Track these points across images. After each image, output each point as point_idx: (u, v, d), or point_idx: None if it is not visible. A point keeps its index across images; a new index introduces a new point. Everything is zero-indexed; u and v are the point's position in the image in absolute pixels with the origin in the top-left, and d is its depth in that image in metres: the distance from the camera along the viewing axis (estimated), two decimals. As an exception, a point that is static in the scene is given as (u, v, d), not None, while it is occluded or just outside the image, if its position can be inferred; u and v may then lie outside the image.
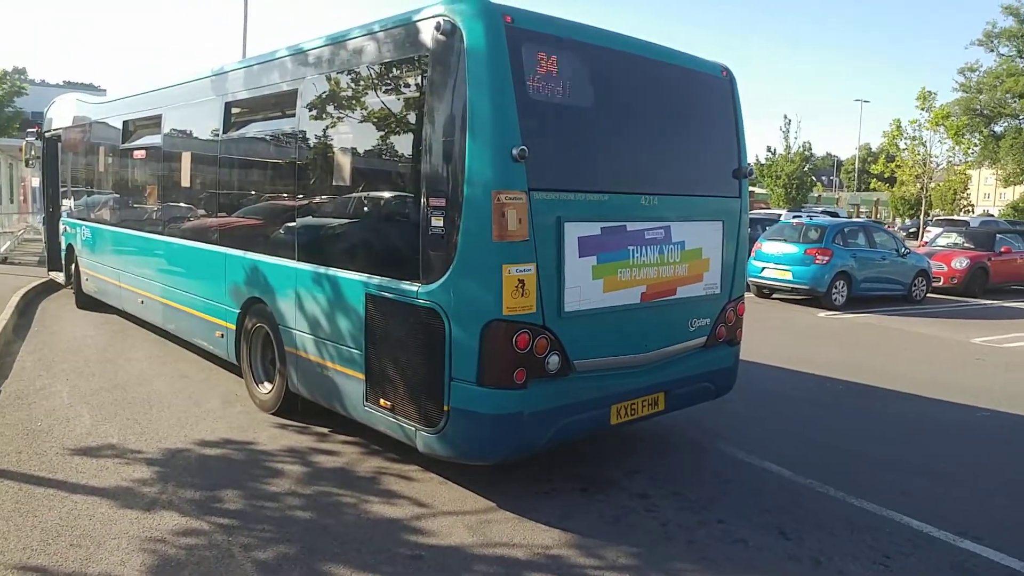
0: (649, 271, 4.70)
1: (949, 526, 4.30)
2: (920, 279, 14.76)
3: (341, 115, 5.04)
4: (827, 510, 4.50)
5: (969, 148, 36.79)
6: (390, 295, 4.42)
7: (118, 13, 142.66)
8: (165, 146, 7.56)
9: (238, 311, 6.14)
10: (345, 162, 5.04)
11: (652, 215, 4.71)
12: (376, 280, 4.54)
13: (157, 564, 3.54)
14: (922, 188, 33.87)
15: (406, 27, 4.39)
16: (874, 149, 65.68)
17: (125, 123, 8.48)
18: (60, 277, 11.16)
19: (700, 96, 5.29)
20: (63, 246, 10.75)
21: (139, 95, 8.23)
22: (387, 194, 4.73)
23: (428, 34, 4.17)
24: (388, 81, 4.62)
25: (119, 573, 3.45)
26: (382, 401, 4.54)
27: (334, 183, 5.15)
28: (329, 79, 5.08)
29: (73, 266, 10.26)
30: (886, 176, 37.22)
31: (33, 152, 12.12)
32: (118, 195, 8.98)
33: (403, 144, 4.55)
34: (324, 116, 5.17)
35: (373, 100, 4.74)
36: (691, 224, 5.00)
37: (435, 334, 4.13)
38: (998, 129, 42.14)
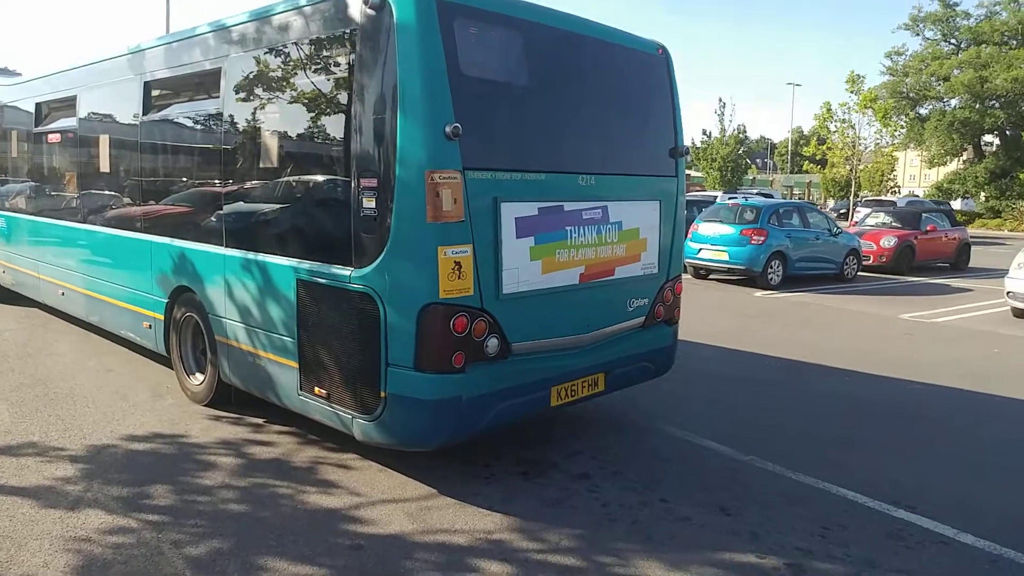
0: (587, 252, 4.69)
1: (884, 496, 4.44)
2: (851, 258, 15.26)
3: (268, 95, 4.86)
4: (766, 485, 4.60)
5: (896, 130, 38.21)
6: (322, 280, 4.30)
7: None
8: (81, 129, 7.19)
9: (166, 300, 5.90)
10: (273, 144, 4.87)
11: (590, 195, 4.70)
12: (307, 265, 4.41)
13: (82, 564, 3.38)
14: (852, 170, 35.09)
15: (334, 1, 4.24)
16: (806, 132, 67.63)
17: (38, 106, 8.02)
18: (-25, 270, 10.54)
19: (636, 74, 5.28)
20: (-22, 237, 10.15)
21: (52, 75, 7.79)
22: (317, 176, 4.59)
23: (356, 9, 4.03)
24: (316, 59, 4.46)
25: (42, 575, 3.28)
26: (317, 389, 4.43)
27: (262, 165, 4.97)
28: (254, 57, 4.88)
29: (-11, 258, 9.70)
30: (818, 158, 38.39)
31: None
32: (33, 182, 8.52)
33: (332, 124, 4.41)
34: (250, 96, 4.97)
35: (301, 79, 4.58)
36: (628, 204, 5.01)
37: (369, 319, 4.03)
38: (923, 111, 43.87)
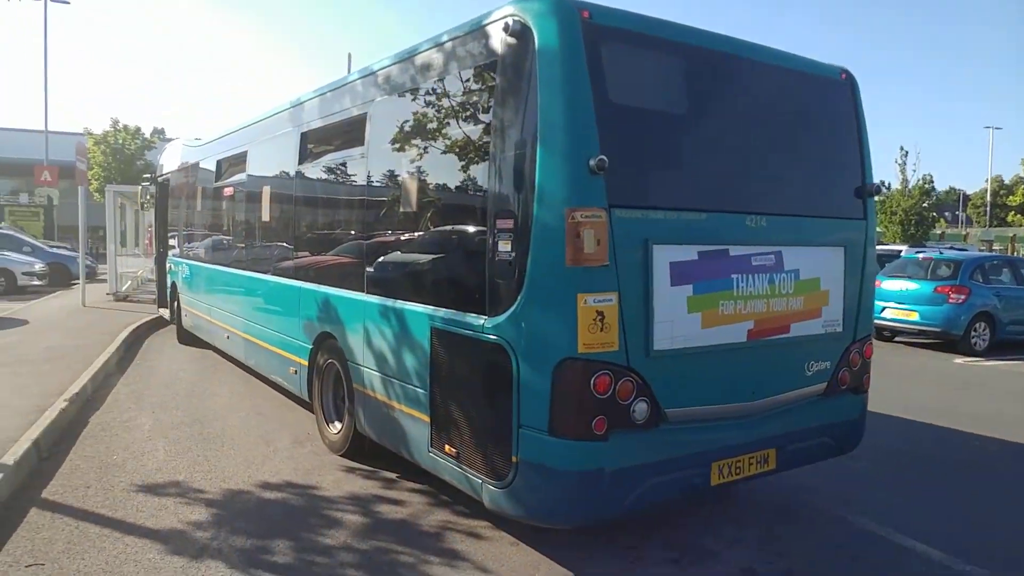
0: (757, 304, 4.02)
1: None
2: (1080, 321, 12.88)
3: (408, 136, 4.71)
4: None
5: None
6: (455, 329, 3.97)
7: (242, 77, 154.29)
8: (248, 182, 7.57)
9: (311, 346, 5.89)
10: (412, 185, 4.68)
11: (760, 238, 4.05)
12: (441, 312, 4.11)
13: (187, 625, 3.17)
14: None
15: (474, 33, 4.01)
16: (1007, 181, 60.45)
17: (218, 163, 8.63)
18: (167, 313, 11.53)
19: (815, 102, 4.60)
20: (168, 284, 11.10)
21: (229, 134, 8.35)
22: (454, 217, 4.32)
23: (497, 38, 3.76)
24: (456, 95, 4.24)
25: (144, 634, 3.10)
26: (447, 447, 4.06)
27: (401, 208, 4.80)
28: (397, 99, 4.78)
29: (176, 302, 10.53)
30: (1028, 209, 33.87)
31: (147, 197, 12.74)
32: (209, 232, 9.15)
33: (471, 161, 4.13)
34: (391, 140, 4.85)
35: (440, 117, 4.38)
36: (807, 250, 4.29)
37: (501, 373, 3.61)
38: None
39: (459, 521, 4.38)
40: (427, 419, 4.24)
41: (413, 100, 4.62)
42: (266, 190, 7.11)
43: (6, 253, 18.26)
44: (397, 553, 3.94)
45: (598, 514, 3.70)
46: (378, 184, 5.05)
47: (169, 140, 30.72)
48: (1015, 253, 43.51)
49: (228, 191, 8.25)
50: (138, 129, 26.97)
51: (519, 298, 3.54)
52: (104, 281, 17.08)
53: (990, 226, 55.51)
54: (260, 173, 7.38)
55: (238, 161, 7.87)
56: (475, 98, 4.07)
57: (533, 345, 3.51)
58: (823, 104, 4.64)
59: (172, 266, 10.81)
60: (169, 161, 11.21)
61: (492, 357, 3.68)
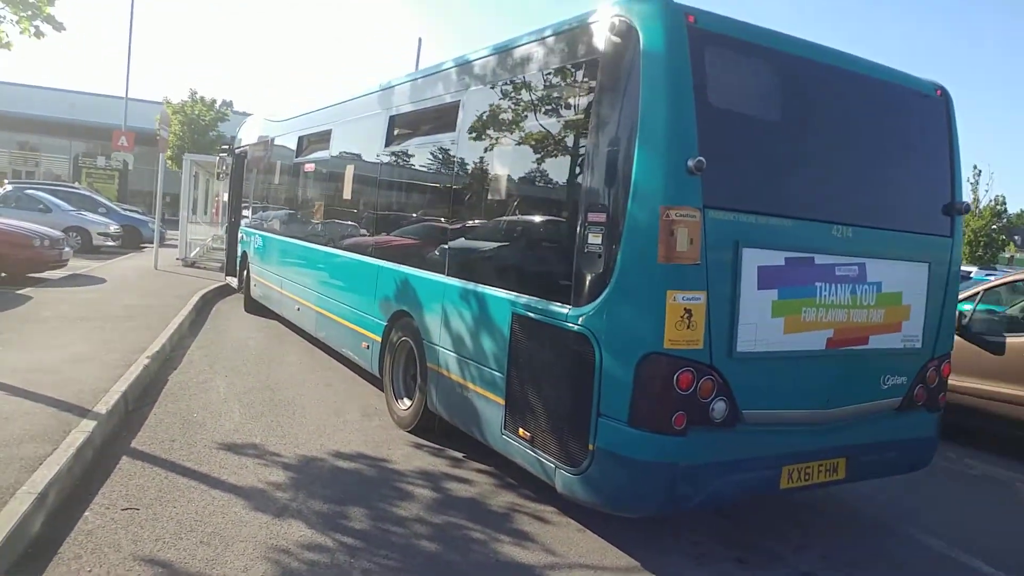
0: (838, 313, 4.03)
1: None
2: None
3: (502, 127, 4.83)
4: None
5: None
6: (537, 316, 4.09)
7: (311, 54, 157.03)
8: (332, 160, 7.80)
9: (385, 323, 6.08)
10: (502, 173, 4.81)
11: (845, 249, 4.05)
12: (524, 299, 4.23)
13: (278, 576, 3.37)
14: None
15: (577, 30, 4.10)
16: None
17: (299, 139, 8.89)
18: (234, 282, 11.93)
19: (907, 116, 4.57)
20: (239, 253, 11.49)
21: (313, 112, 8.60)
22: (543, 208, 4.43)
23: (601, 36, 3.85)
24: (553, 89, 4.34)
25: (238, 580, 3.31)
26: (521, 431, 4.19)
27: (489, 195, 4.92)
28: (492, 90, 4.90)
29: (245, 272, 10.90)
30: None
31: (224, 167, 13.18)
32: (286, 207, 9.43)
33: (564, 155, 4.23)
34: (484, 128, 4.98)
35: (536, 109, 4.48)
36: (891, 263, 4.27)
37: (583, 362, 3.72)
38: None
39: (526, 504, 4.51)
40: (502, 402, 4.37)
41: (509, 91, 4.73)
42: (349, 169, 7.33)
43: (83, 213, 19.05)
44: (468, 530, 4.08)
45: (669, 507, 3.79)
46: (466, 171, 5.18)
47: (241, 113, 31.66)
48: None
49: (309, 167, 8.50)
50: (214, 101, 27.84)
51: (606, 290, 3.64)
52: (173, 246, 17.71)
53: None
54: (344, 152, 7.60)
55: (321, 139, 8.11)
56: (573, 93, 4.16)
57: (618, 337, 3.60)
58: (916, 119, 4.60)
59: (244, 236, 11.17)
60: (248, 134, 11.57)
61: (575, 346, 3.79)
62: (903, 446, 4.52)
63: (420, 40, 24.57)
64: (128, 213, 22.77)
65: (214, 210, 20.39)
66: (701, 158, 3.42)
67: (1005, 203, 37.03)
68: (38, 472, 3.85)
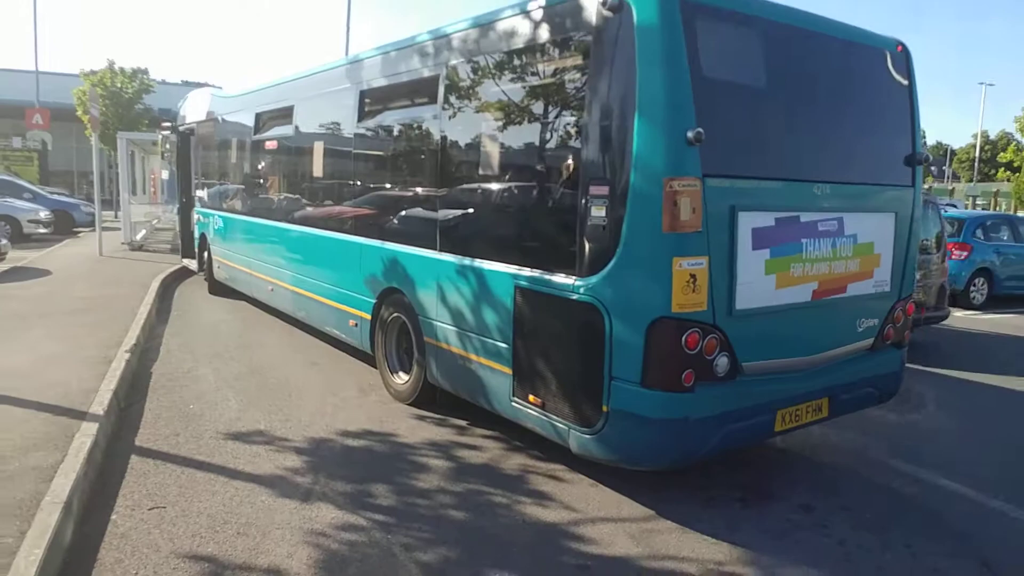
0: (821, 267, 4.33)
1: None
2: (1073, 277, 13.41)
3: (489, 100, 4.89)
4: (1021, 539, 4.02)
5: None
6: (542, 288, 4.25)
7: (228, 14, 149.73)
8: (297, 137, 7.68)
9: (374, 301, 6.13)
10: (493, 150, 4.89)
11: (825, 205, 4.33)
12: (526, 272, 4.37)
13: (323, 559, 3.50)
14: (1061, 177, 31.16)
15: (566, 4, 4.17)
16: (992, 136, 60.87)
17: (257, 115, 8.68)
18: (193, 264, 11.67)
19: (874, 74, 4.83)
20: (196, 235, 11.21)
21: (270, 87, 8.40)
22: (540, 183, 4.53)
23: (592, 10, 3.94)
24: (543, 63, 4.42)
25: (287, 566, 3.42)
26: (531, 397, 4.38)
27: (481, 172, 5.01)
28: (475, 63, 4.94)
29: (206, 254, 10.68)
30: (1017, 165, 34.36)
31: (168, 146, 12.72)
32: (250, 186, 9.24)
33: (559, 130, 4.34)
34: (470, 102, 5.04)
35: (525, 84, 4.56)
36: (864, 216, 4.59)
37: (594, 330, 3.91)
38: None
39: (537, 465, 4.73)
40: (509, 371, 4.54)
41: (493, 64, 4.78)
42: (318, 146, 7.24)
43: (9, 200, 18.11)
44: (489, 495, 4.28)
45: (683, 458, 4.07)
46: (452, 146, 5.24)
47: (160, 82, 30.12)
48: (997, 208, 44.25)
49: (271, 144, 8.34)
50: (136, 71, 26.38)
51: (613, 260, 3.81)
52: (112, 229, 17.06)
53: (977, 181, 56.12)
54: (311, 128, 7.49)
55: (283, 115, 7.94)
56: (563, 67, 4.25)
57: (628, 304, 3.80)
58: (881, 76, 4.86)
59: (201, 217, 10.90)
60: (193, 110, 11.17)
61: (583, 315, 3.97)
62: (875, 381, 4.91)
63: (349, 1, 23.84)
64: (57, 197, 21.72)
65: (152, 189, 19.62)
66: (700, 129, 3.59)
67: (925, 136, 38.72)
68: (56, 481, 3.84)
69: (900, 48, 4.93)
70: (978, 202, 48.06)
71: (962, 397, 6.92)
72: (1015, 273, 12.85)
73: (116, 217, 22.44)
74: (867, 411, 5.10)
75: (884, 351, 4.92)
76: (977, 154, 60.14)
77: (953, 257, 12.42)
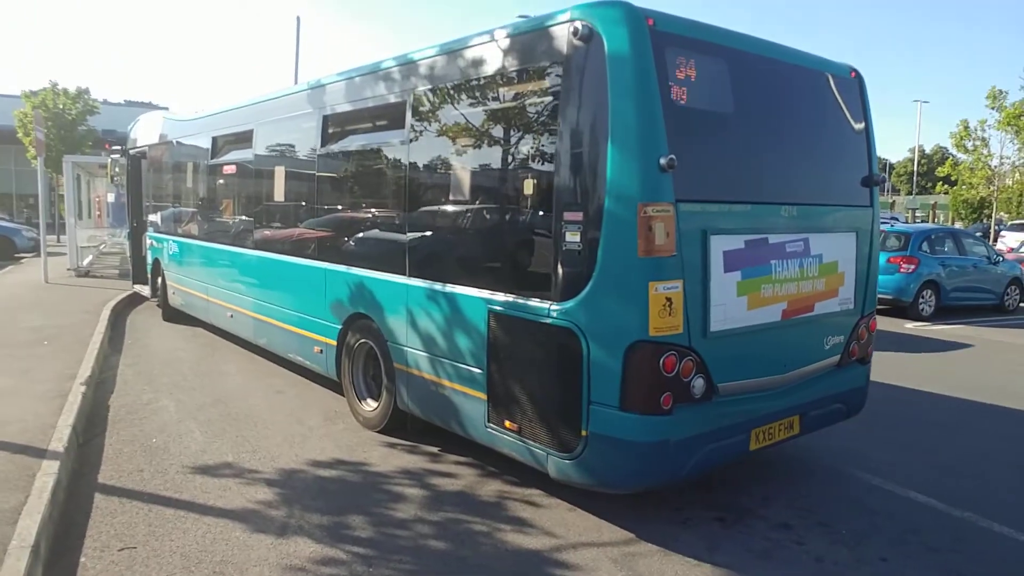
0: (790, 287, 4.43)
1: None
2: (1013, 287, 14.05)
3: (457, 127, 4.89)
4: (1002, 552, 4.14)
5: (1043, 148, 35.17)
6: (516, 313, 4.24)
7: (173, 35, 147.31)
8: (257, 161, 7.55)
9: (340, 327, 6.04)
10: (463, 177, 4.89)
11: (792, 226, 4.45)
12: (500, 297, 4.37)
13: (303, 596, 3.41)
14: (994, 191, 32.58)
15: (535, 33, 4.22)
16: (928, 151, 63.57)
17: (214, 139, 8.52)
18: (145, 290, 11.34)
19: (831, 99, 4.99)
20: (149, 260, 10.91)
21: (229, 111, 8.26)
22: (512, 209, 4.55)
23: (563, 40, 3.98)
24: (512, 90, 4.45)
25: (266, 606, 3.32)
26: (507, 423, 4.36)
27: (451, 198, 5.00)
28: (443, 89, 4.94)
29: (159, 280, 10.39)
30: (954, 179, 35.86)
31: (117, 169, 12.38)
32: (207, 210, 9.05)
33: (529, 157, 4.36)
34: (438, 128, 5.03)
35: (495, 110, 4.58)
36: (828, 236, 4.73)
37: (570, 355, 3.92)
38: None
39: (513, 490, 4.70)
40: (483, 396, 4.52)
41: (463, 90, 4.79)
42: (279, 170, 7.13)
43: (-53, 226, 17.40)
44: (468, 523, 4.23)
45: (662, 480, 4.10)
46: (420, 172, 5.21)
47: (102, 103, 29.35)
48: (936, 220, 46.09)
49: (230, 168, 8.18)
50: (79, 92, 25.64)
51: (589, 285, 3.84)
52: (57, 255, 16.50)
53: (916, 194, 58.38)
54: (272, 153, 7.37)
55: (242, 139, 7.81)
56: (534, 94, 4.28)
57: (605, 329, 3.82)
58: (839, 100, 5.03)
59: (154, 242, 10.62)
60: (145, 133, 10.91)
61: (559, 339, 3.98)
62: (843, 397, 5.03)
63: (299, 19, 23.76)
64: (-3, 222, 20.93)
65: (97, 213, 19.06)
66: (672, 156, 3.66)
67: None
68: (21, 523, 3.68)
69: (854, 74, 5.13)
70: (917, 214, 49.98)
71: (922, 409, 7.13)
72: (960, 285, 13.36)
73: (59, 241, 21.78)
74: (833, 425, 5.21)
75: (850, 367, 5.05)
76: (915, 168, 62.60)
77: (901, 271, 12.89)
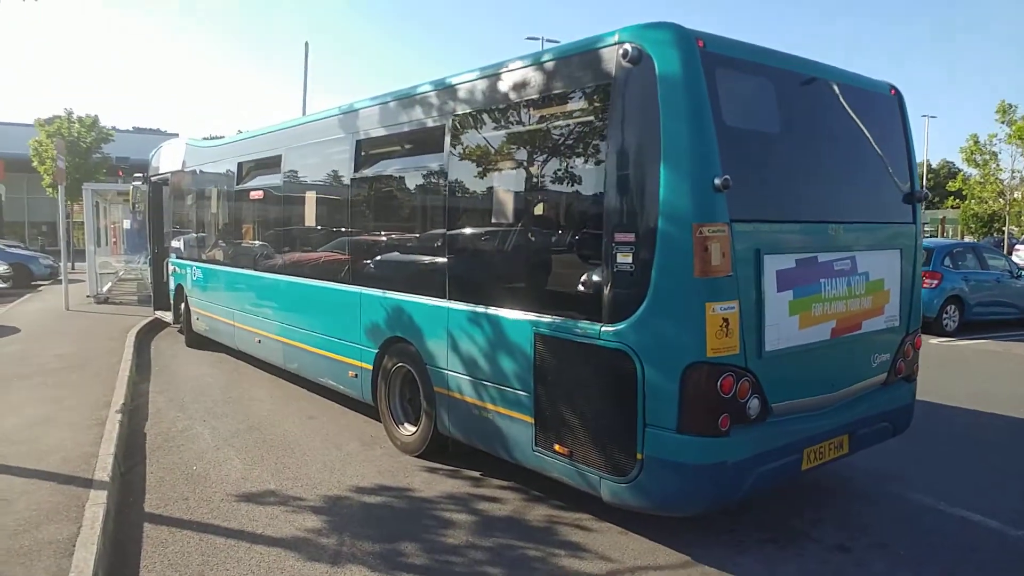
0: (838, 305, 4.40)
1: None
2: (1036, 301, 13.94)
3: (499, 149, 4.90)
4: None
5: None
6: (565, 335, 4.22)
7: (180, 62, 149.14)
8: (286, 186, 7.59)
9: (376, 351, 6.03)
10: (505, 199, 4.89)
11: (839, 245, 4.43)
12: (547, 319, 4.35)
13: (365, 626, 3.36)
14: (1005, 205, 32.54)
15: (581, 56, 4.24)
16: (934, 166, 63.62)
17: (240, 164, 8.57)
18: (167, 316, 11.36)
19: (873, 117, 4.96)
20: (172, 286, 10.94)
21: (255, 136, 8.33)
22: (557, 231, 4.55)
23: (611, 62, 4.00)
24: (557, 112, 4.47)
25: (330, 637, 3.28)
26: (557, 447, 4.32)
27: (493, 220, 4.99)
28: (484, 112, 4.96)
29: (183, 306, 10.41)
30: (964, 193, 35.84)
31: (139, 196, 12.47)
32: (234, 236, 9.07)
33: (578, 178, 4.37)
34: (479, 151, 5.05)
35: (538, 132, 4.59)
36: (874, 254, 4.70)
37: (623, 377, 3.89)
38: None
39: (562, 515, 4.65)
40: (530, 420, 4.48)
41: (505, 113, 4.81)
42: (311, 195, 7.17)
43: (-34, 255, 17.52)
44: (521, 548, 4.19)
45: (720, 502, 4.05)
46: (461, 195, 5.22)
47: (113, 129, 29.63)
48: (944, 235, 46.02)
49: (257, 194, 8.21)
50: (93, 120, 25.90)
51: (642, 307, 3.81)
52: (75, 281, 16.56)
53: (924, 209, 58.30)
54: (302, 177, 7.42)
55: (269, 164, 7.85)
56: (578, 115, 4.30)
57: (661, 350, 3.79)
58: (880, 118, 5.02)
59: (178, 269, 10.65)
60: (167, 160, 10.99)
61: (612, 361, 3.95)
62: (889, 415, 4.98)
63: (307, 44, 24.02)
64: (13, 250, 21.06)
65: (113, 240, 19.18)
66: (727, 176, 3.65)
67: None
68: (77, 555, 3.66)
69: (893, 91, 5.14)
70: (927, 228, 49.90)
71: (961, 426, 7.05)
72: (983, 300, 13.28)
73: (74, 268, 21.89)
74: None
75: (896, 385, 5.01)
76: (924, 183, 62.53)
77: (924, 286, 12.79)
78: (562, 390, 4.30)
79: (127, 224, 17.89)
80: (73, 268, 22.82)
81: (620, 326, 3.91)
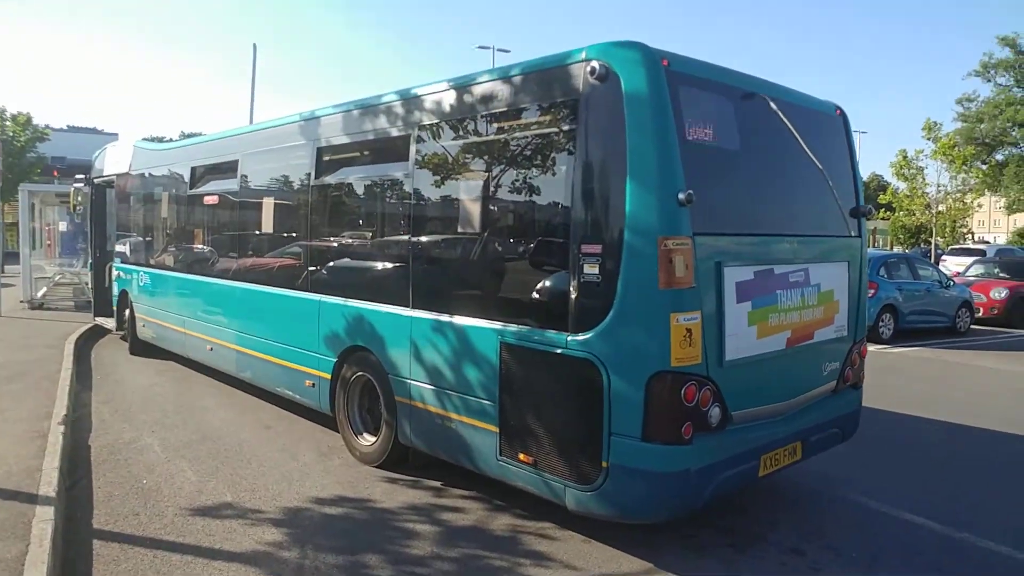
0: (793, 315, 4.57)
1: None
2: (964, 310, 14.67)
3: (467, 161, 4.93)
4: (1007, 570, 4.29)
5: (977, 176, 37.09)
6: (531, 344, 4.26)
7: (116, 58, 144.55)
8: (243, 192, 7.44)
9: (335, 360, 5.96)
10: (471, 210, 4.90)
11: (794, 257, 4.60)
12: (513, 328, 4.39)
13: (333, 641, 3.32)
14: (932, 217, 34.10)
15: (549, 71, 4.31)
16: (865, 179, 66.31)
17: (194, 168, 8.36)
18: (108, 323, 10.97)
19: (820, 135, 5.18)
20: (115, 292, 10.57)
21: (211, 140, 8.15)
22: (523, 241, 4.59)
23: (578, 78, 4.07)
24: (523, 125, 4.52)
25: (297, 653, 3.23)
26: (522, 456, 4.35)
27: (458, 231, 5.00)
28: (451, 124, 4.99)
29: (127, 312, 10.07)
30: (895, 206, 37.43)
31: (80, 199, 12.02)
32: (185, 241, 8.84)
33: (543, 191, 4.43)
34: (444, 161, 5.06)
35: (504, 145, 4.64)
36: (825, 265, 4.89)
37: (589, 386, 3.95)
38: (1000, 157, 42.91)
39: (525, 524, 4.67)
40: (495, 429, 4.50)
41: (471, 124, 4.84)
42: (269, 202, 7.04)
43: None
44: (486, 558, 4.19)
45: (683, 509, 4.14)
46: (426, 205, 5.22)
47: (45, 128, 28.45)
48: (875, 245, 47.99)
49: (212, 199, 8.02)
50: (28, 118, 24.82)
51: (609, 317, 3.89)
52: (7, 286, 15.85)
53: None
54: (259, 183, 7.28)
55: (225, 169, 7.68)
56: (545, 129, 4.36)
57: (626, 360, 3.87)
58: (826, 136, 5.24)
59: (123, 274, 10.30)
60: (112, 163, 10.61)
61: (578, 371, 4.01)
62: (839, 422, 5.17)
63: (255, 46, 23.61)
64: (-63, 253, 20.00)
65: (48, 242, 18.39)
66: (691, 191, 3.76)
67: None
68: (27, 575, 3.50)
69: (839, 112, 5.38)
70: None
71: (903, 431, 7.36)
72: (916, 308, 13.89)
73: (3, 272, 20.95)
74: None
75: (844, 392, 5.21)
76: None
77: (860, 295, 13.32)
78: (528, 399, 4.34)
79: (63, 226, 17.20)
80: (3, 272, 21.84)
81: (587, 335, 3.97)
